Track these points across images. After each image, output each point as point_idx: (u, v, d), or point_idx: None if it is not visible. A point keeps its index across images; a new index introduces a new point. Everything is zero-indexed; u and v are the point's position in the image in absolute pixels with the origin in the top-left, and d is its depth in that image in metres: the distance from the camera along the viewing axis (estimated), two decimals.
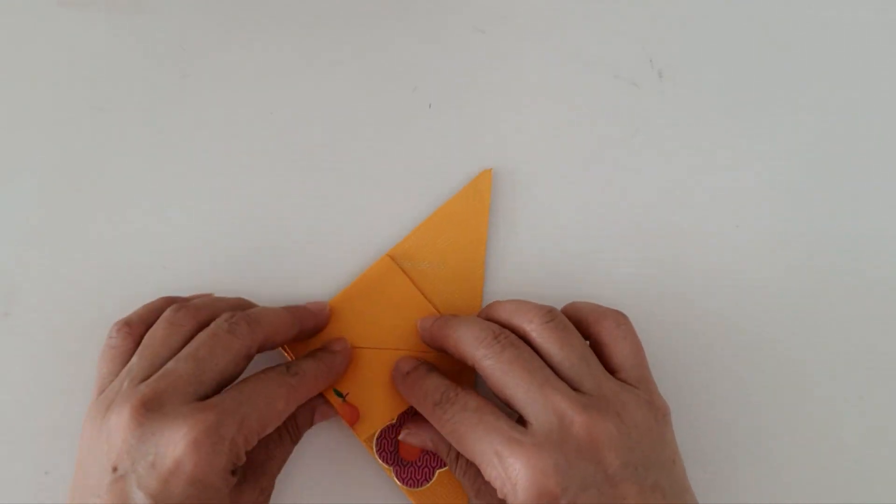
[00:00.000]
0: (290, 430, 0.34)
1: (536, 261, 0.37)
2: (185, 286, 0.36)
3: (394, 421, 0.35)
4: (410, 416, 0.35)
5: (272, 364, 0.32)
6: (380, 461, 0.35)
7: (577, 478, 0.28)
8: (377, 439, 0.35)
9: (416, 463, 0.35)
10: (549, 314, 0.32)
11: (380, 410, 0.35)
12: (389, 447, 0.35)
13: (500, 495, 0.29)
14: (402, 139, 0.38)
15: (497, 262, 0.37)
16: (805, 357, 0.37)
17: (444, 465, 0.35)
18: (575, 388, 0.30)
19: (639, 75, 0.39)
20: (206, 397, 0.29)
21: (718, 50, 0.40)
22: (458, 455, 0.33)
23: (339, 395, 0.35)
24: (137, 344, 0.31)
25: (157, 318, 0.32)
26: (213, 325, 0.31)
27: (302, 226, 0.37)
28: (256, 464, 0.32)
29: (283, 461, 0.33)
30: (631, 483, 0.28)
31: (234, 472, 0.28)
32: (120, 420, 0.28)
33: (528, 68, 0.39)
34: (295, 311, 0.34)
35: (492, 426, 0.29)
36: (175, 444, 0.27)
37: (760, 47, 0.40)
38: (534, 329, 0.31)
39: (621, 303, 0.37)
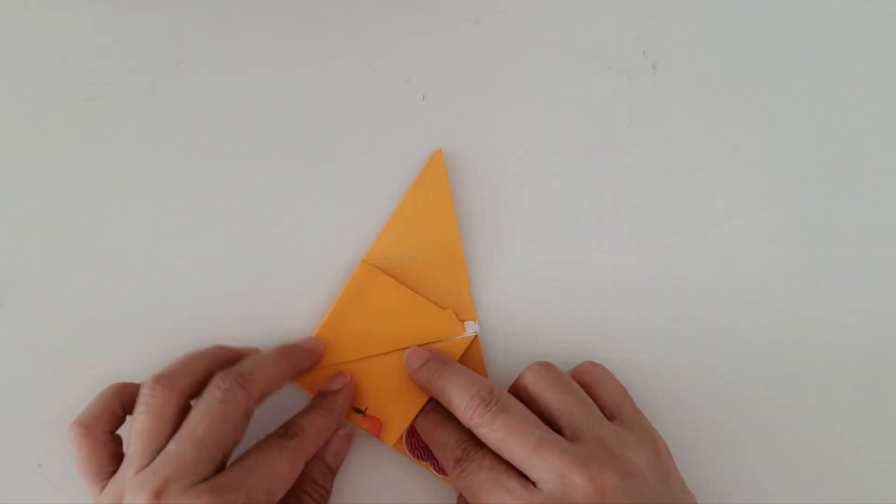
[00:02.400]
0: (308, 488, 0.33)
1: (528, 252, 0.37)
2: (176, 276, 0.36)
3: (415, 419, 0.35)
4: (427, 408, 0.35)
5: None
6: (415, 459, 0.35)
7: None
8: (406, 440, 0.35)
9: None
10: (542, 364, 0.33)
11: (399, 413, 0.35)
12: (420, 444, 0.35)
13: None
14: (396, 129, 0.38)
15: (486, 250, 0.37)
16: (800, 351, 0.37)
17: None
18: (574, 438, 0.31)
19: (632, 67, 0.39)
20: (213, 473, 0.29)
21: (712, 41, 0.40)
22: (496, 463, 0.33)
23: (359, 411, 0.35)
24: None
25: (111, 408, 0.32)
26: (205, 396, 0.30)
27: (295, 215, 0.37)
28: None
29: None
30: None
31: None
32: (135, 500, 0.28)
33: (522, 60, 0.39)
34: (289, 354, 0.34)
35: (503, 486, 0.30)
36: None
37: (754, 38, 0.40)
38: (528, 378, 0.33)
39: (612, 293, 0.37)
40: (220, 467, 0.30)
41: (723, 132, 0.39)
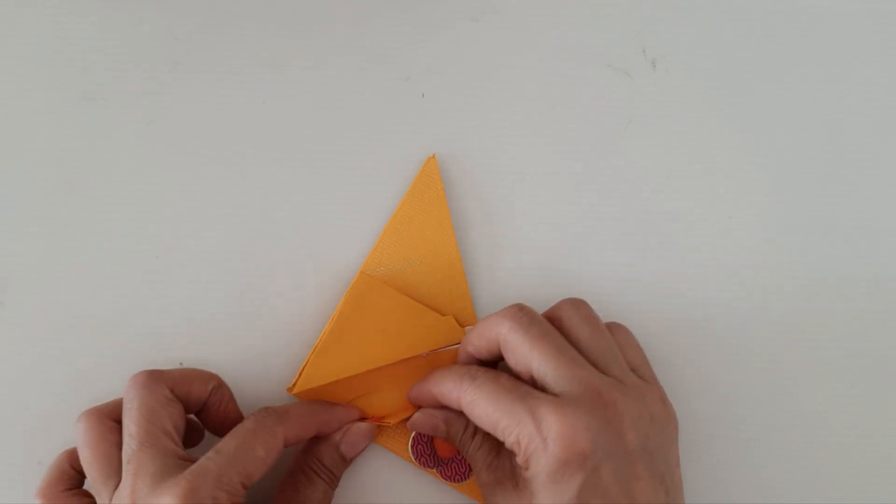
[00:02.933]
0: (316, 468, 0.33)
1: (527, 252, 0.38)
2: (175, 275, 0.37)
3: None
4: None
5: None
6: (422, 467, 0.35)
7: (604, 443, 0.28)
8: (412, 448, 0.35)
9: (455, 458, 0.35)
10: (579, 300, 0.33)
11: (405, 420, 0.35)
12: (426, 451, 0.35)
13: (523, 457, 0.29)
14: (395, 128, 0.38)
15: (486, 253, 0.37)
16: (799, 349, 0.37)
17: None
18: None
19: (632, 65, 0.39)
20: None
21: (712, 40, 0.40)
22: (475, 431, 0.33)
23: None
24: None
25: (63, 471, 0.32)
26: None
27: (294, 214, 0.37)
28: None
29: (323, 503, 0.33)
30: (645, 466, 0.29)
31: None
32: None
33: (521, 58, 0.39)
34: (327, 409, 0.34)
35: (525, 391, 0.30)
36: None
37: (755, 37, 0.40)
38: (564, 310, 0.32)
39: (612, 292, 0.37)
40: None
41: (722, 130, 0.39)
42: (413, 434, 0.35)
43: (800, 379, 0.37)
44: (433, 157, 0.37)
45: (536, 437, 0.28)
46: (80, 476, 0.32)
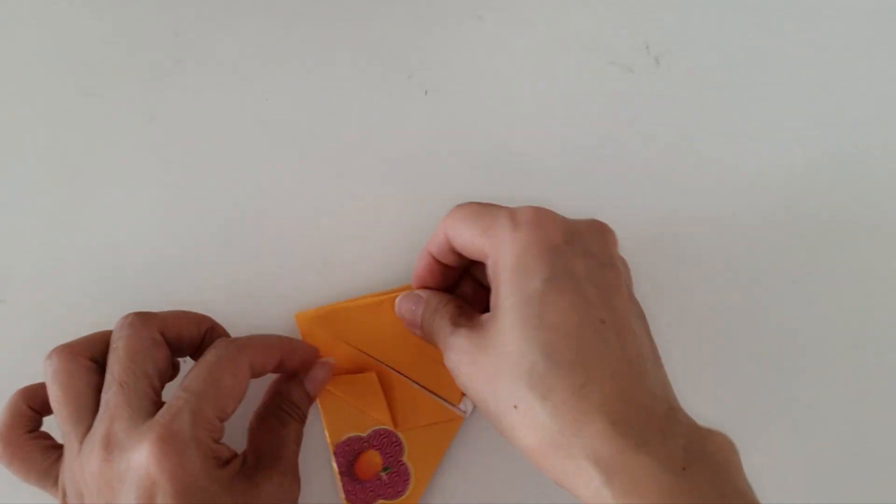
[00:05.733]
0: (287, 408, 0.32)
1: None
2: (175, 272, 0.36)
3: (363, 435, 0.34)
4: (381, 437, 0.34)
5: None
6: (334, 466, 0.34)
7: (579, 241, 0.28)
8: (340, 444, 0.34)
9: (366, 484, 0.34)
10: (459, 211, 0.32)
11: (354, 422, 0.34)
12: (349, 457, 0.34)
13: (492, 258, 0.28)
14: (398, 126, 0.38)
15: None
16: (803, 346, 0.37)
17: (389, 498, 0.34)
18: None
19: (635, 61, 0.39)
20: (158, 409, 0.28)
21: (716, 36, 0.40)
22: (447, 301, 0.32)
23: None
24: None
25: (19, 412, 0.31)
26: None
27: (296, 213, 0.37)
28: (266, 450, 0.31)
29: (297, 441, 0.32)
30: (624, 280, 0.29)
31: (227, 463, 0.28)
32: (90, 465, 0.27)
33: (524, 55, 0.39)
34: (286, 342, 0.33)
35: (493, 206, 0.29)
36: (144, 466, 0.26)
37: (758, 32, 0.40)
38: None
39: None
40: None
41: (726, 127, 0.39)
42: (350, 436, 0.34)
43: (803, 378, 0.37)
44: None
45: (508, 225, 0.28)
46: (38, 417, 0.31)
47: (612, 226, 0.37)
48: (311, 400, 0.33)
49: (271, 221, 0.37)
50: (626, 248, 0.37)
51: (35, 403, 0.31)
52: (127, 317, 0.30)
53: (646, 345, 0.28)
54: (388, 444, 0.34)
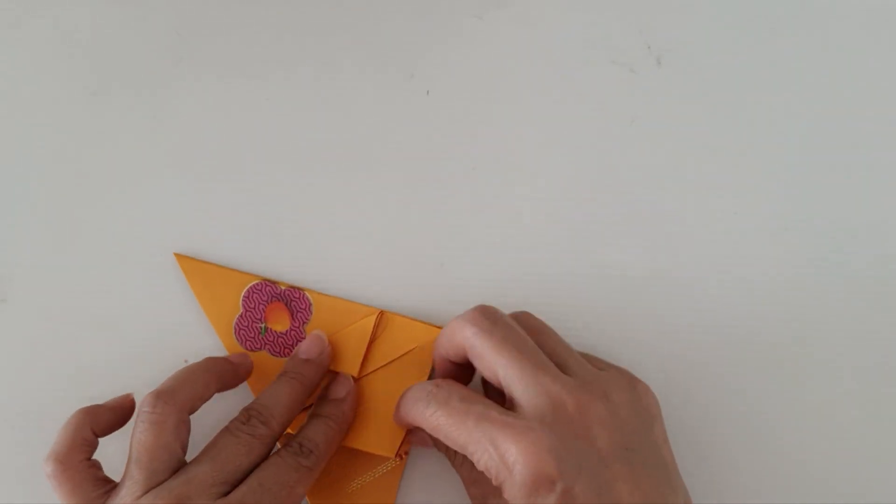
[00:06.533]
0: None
1: (529, 250, 0.37)
2: (178, 272, 0.36)
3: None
4: None
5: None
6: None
7: (573, 459, 0.28)
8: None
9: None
10: (522, 313, 0.33)
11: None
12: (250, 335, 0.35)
13: (495, 483, 0.28)
14: (400, 126, 0.38)
15: (487, 250, 0.37)
16: (804, 348, 0.37)
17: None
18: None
19: (636, 61, 0.39)
20: (229, 491, 0.29)
21: (718, 36, 0.40)
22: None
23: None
24: None
25: (83, 436, 0.31)
26: (230, 424, 0.31)
27: (297, 214, 0.37)
28: None
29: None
30: (622, 464, 0.28)
31: None
32: None
33: (524, 54, 0.39)
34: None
35: (479, 413, 0.28)
36: None
37: (760, 33, 0.40)
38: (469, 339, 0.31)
39: (615, 291, 0.37)
40: (236, 486, 0.29)
41: (728, 127, 0.39)
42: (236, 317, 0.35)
43: (805, 378, 0.37)
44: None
45: (502, 466, 0.28)
46: (96, 442, 0.31)
47: (613, 226, 0.38)
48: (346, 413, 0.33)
49: (273, 219, 0.37)
50: (622, 246, 0.38)
51: (98, 428, 0.31)
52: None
53: (663, 485, 0.29)
54: None
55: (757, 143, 0.39)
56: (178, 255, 0.36)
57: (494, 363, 0.29)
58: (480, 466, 0.28)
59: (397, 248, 0.37)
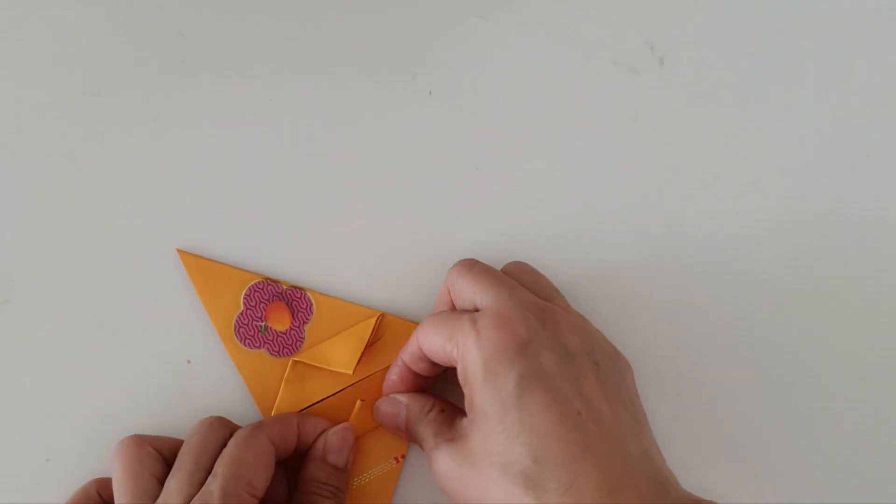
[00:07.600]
0: (319, 491, 0.32)
1: (530, 249, 0.37)
2: (181, 272, 0.36)
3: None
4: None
5: None
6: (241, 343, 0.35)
7: (542, 339, 0.28)
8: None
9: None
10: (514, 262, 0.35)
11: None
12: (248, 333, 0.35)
13: (460, 365, 0.29)
14: (403, 126, 0.38)
15: (490, 249, 0.37)
16: (806, 349, 0.37)
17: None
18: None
19: (639, 62, 0.39)
20: None
21: (720, 36, 0.40)
22: (431, 407, 0.32)
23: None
24: None
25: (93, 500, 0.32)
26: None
27: (300, 214, 0.37)
28: None
29: None
30: (592, 371, 0.29)
31: None
32: None
33: (527, 54, 0.39)
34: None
35: (458, 313, 0.30)
36: None
37: (762, 33, 0.40)
38: (506, 270, 0.34)
39: (617, 289, 0.37)
40: None
41: (730, 127, 0.39)
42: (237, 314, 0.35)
43: (807, 378, 0.37)
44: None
45: (471, 332, 0.28)
46: None
47: (616, 226, 0.38)
48: (342, 471, 0.33)
49: (276, 219, 0.37)
50: (626, 247, 0.38)
51: (106, 493, 0.32)
52: (205, 420, 0.32)
53: (626, 424, 0.29)
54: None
55: (759, 143, 0.39)
56: (180, 252, 0.36)
57: (472, 292, 0.31)
58: (452, 351, 0.29)
59: (400, 249, 0.37)
